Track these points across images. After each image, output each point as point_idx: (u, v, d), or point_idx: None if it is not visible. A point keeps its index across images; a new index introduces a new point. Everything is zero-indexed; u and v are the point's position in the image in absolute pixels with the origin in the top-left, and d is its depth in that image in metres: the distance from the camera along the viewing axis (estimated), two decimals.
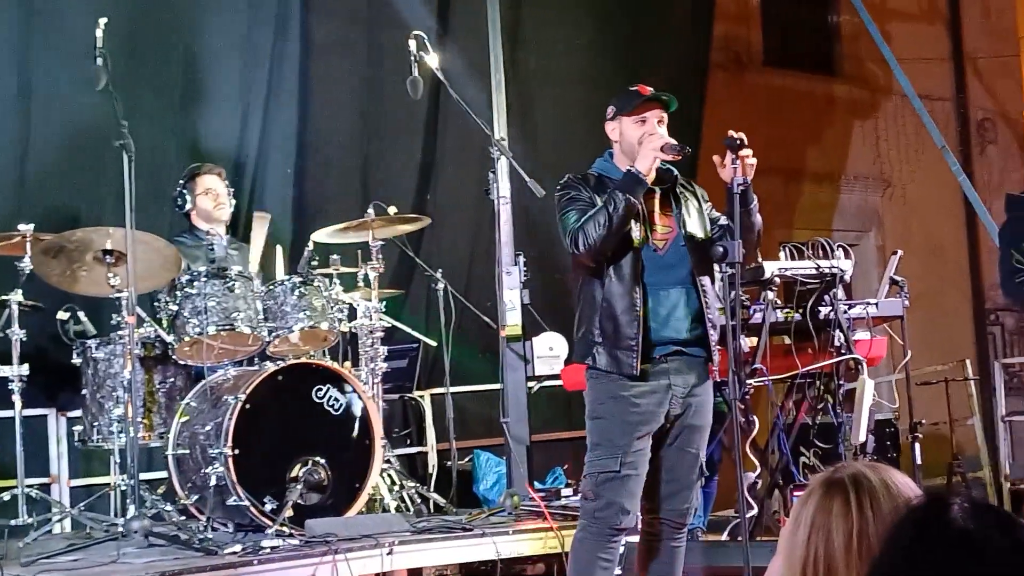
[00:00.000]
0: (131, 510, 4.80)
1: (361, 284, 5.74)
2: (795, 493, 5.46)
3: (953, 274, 12.67)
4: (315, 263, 5.54)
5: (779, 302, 5.44)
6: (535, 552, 5.17)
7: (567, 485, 6.26)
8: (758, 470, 5.70)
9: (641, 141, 4.11)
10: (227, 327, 5.18)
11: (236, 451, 4.94)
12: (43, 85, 6.18)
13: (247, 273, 5.35)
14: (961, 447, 8.77)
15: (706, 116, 8.87)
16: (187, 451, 5.16)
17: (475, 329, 6.77)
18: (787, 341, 5.55)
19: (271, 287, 5.38)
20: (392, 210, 5.78)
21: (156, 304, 5.30)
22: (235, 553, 4.61)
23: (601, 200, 4.08)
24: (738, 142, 4.05)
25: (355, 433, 5.25)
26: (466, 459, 6.76)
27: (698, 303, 4.18)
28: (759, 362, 5.21)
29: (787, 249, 5.55)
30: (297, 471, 5.05)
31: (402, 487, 5.61)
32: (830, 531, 1.84)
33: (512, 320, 5.97)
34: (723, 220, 4.27)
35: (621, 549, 4.41)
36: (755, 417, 5.37)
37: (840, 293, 5.47)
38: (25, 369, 5.19)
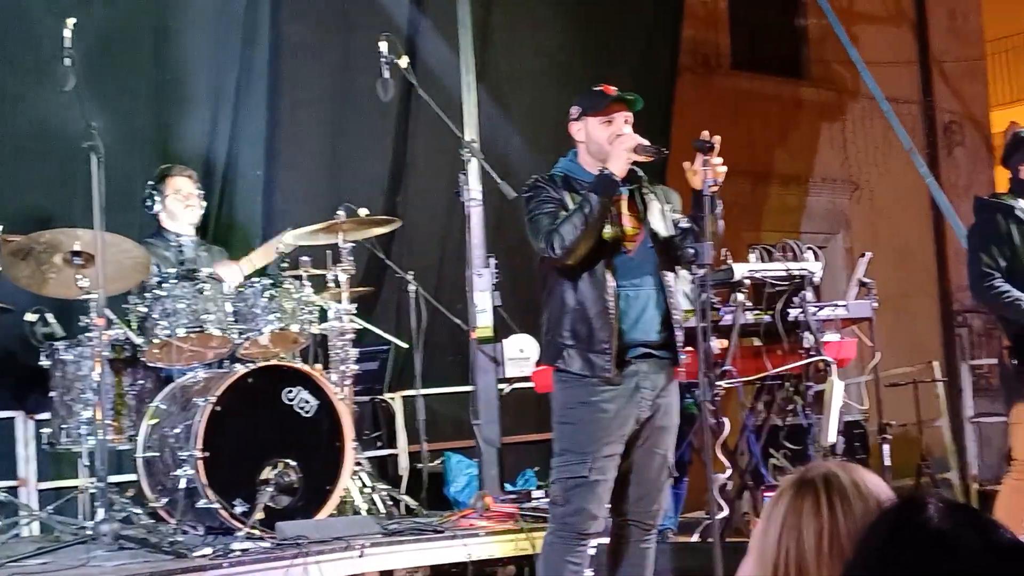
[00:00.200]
0: (100, 513, 4.77)
1: (331, 286, 5.73)
2: (766, 494, 5.49)
3: (920, 276, 12.78)
4: (285, 265, 5.52)
5: (749, 304, 5.46)
6: (506, 554, 5.17)
7: (538, 487, 6.27)
8: (728, 471, 5.72)
9: (611, 142, 4.11)
10: (197, 329, 5.16)
11: (206, 453, 4.91)
12: (11, 86, 6.14)
13: (217, 275, 5.33)
14: (929, 448, 8.85)
15: (675, 119, 8.90)
16: (156, 454, 5.13)
17: (446, 331, 6.77)
18: (757, 343, 5.58)
19: (241, 289, 5.36)
20: (363, 212, 5.77)
21: (125, 306, 5.27)
22: (205, 556, 4.58)
23: (571, 199, 4.08)
24: (708, 144, 4.06)
25: (325, 435, 5.23)
26: (437, 461, 6.75)
27: (665, 304, 4.19)
28: (729, 364, 5.23)
29: (757, 251, 5.58)
30: (267, 473, 5.03)
31: (373, 489, 5.59)
32: (801, 531, 1.84)
33: (483, 322, 5.98)
34: (684, 223, 4.27)
35: (592, 551, 4.42)
36: (725, 419, 5.39)
37: (809, 295, 5.49)
38: None
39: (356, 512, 5.42)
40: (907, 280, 11.99)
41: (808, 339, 5.48)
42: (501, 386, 6.17)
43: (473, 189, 6.01)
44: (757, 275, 5.42)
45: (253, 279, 5.45)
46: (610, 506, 4.16)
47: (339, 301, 5.69)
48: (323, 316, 5.70)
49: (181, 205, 5.75)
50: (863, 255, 5.84)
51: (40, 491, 5.86)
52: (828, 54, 12.11)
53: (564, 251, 3.98)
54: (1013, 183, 5.21)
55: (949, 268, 13.00)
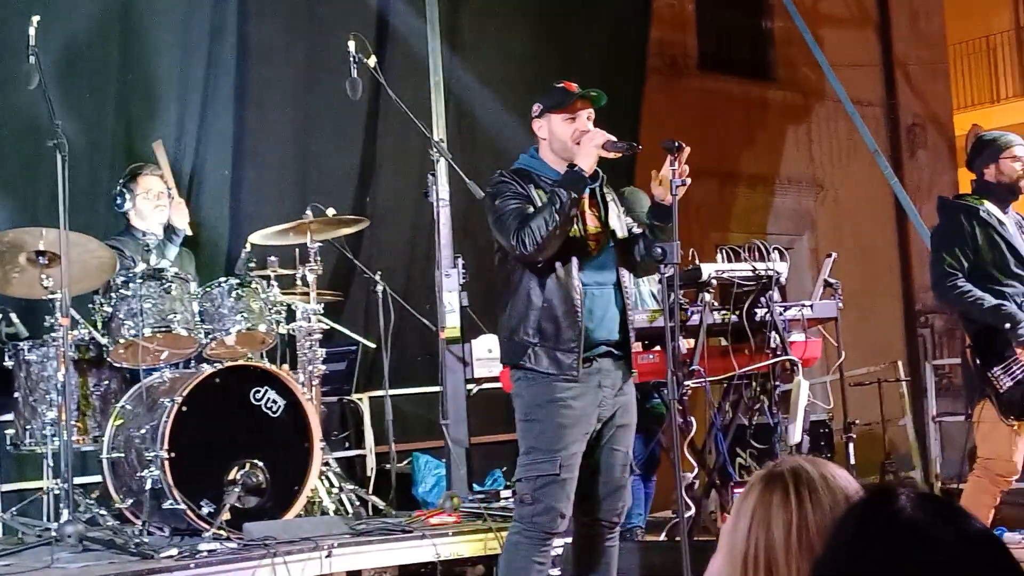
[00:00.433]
0: (65, 514, 4.73)
1: (299, 286, 5.71)
2: (735, 490, 5.51)
3: (884, 277, 12.87)
4: (252, 265, 5.50)
5: (716, 304, 5.49)
6: (475, 553, 5.17)
7: (506, 487, 6.27)
8: (695, 470, 5.75)
9: (575, 139, 4.11)
10: (163, 329, 5.13)
11: (172, 454, 4.89)
12: None
13: (184, 275, 5.30)
14: (893, 447, 8.93)
15: (642, 120, 8.93)
16: (122, 454, 5.09)
17: (414, 332, 6.76)
18: (724, 343, 5.61)
19: (208, 288, 5.33)
20: (331, 212, 5.76)
21: (91, 306, 5.23)
22: (171, 557, 4.56)
23: (538, 195, 4.07)
24: (677, 145, 4.08)
25: (293, 435, 5.21)
26: (405, 462, 6.74)
27: (623, 303, 4.21)
28: (697, 363, 5.25)
29: (724, 251, 5.61)
30: (235, 474, 5.01)
31: (341, 490, 5.58)
32: (770, 523, 1.86)
33: (451, 322, 5.97)
34: (636, 230, 4.32)
35: (558, 551, 4.43)
36: (692, 418, 5.42)
37: (776, 295, 5.53)
38: None
39: (324, 512, 5.41)
40: (871, 281, 12.07)
41: (774, 339, 5.52)
42: (469, 386, 6.16)
43: (442, 189, 6.00)
44: (724, 275, 5.45)
45: (220, 279, 5.42)
46: (575, 506, 4.15)
47: (307, 301, 5.67)
48: (291, 316, 5.68)
49: (151, 205, 5.72)
50: (829, 255, 5.89)
51: (3, 493, 5.79)
52: (794, 56, 12.19)
53: (536, 248, 3.96)
54: (977, 184, 5.26)
55: (912, 269, 13.11)
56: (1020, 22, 18.79)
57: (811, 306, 5.70)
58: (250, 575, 4.56)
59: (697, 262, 5.46)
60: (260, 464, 5.07)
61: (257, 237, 5.68)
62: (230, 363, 5.23)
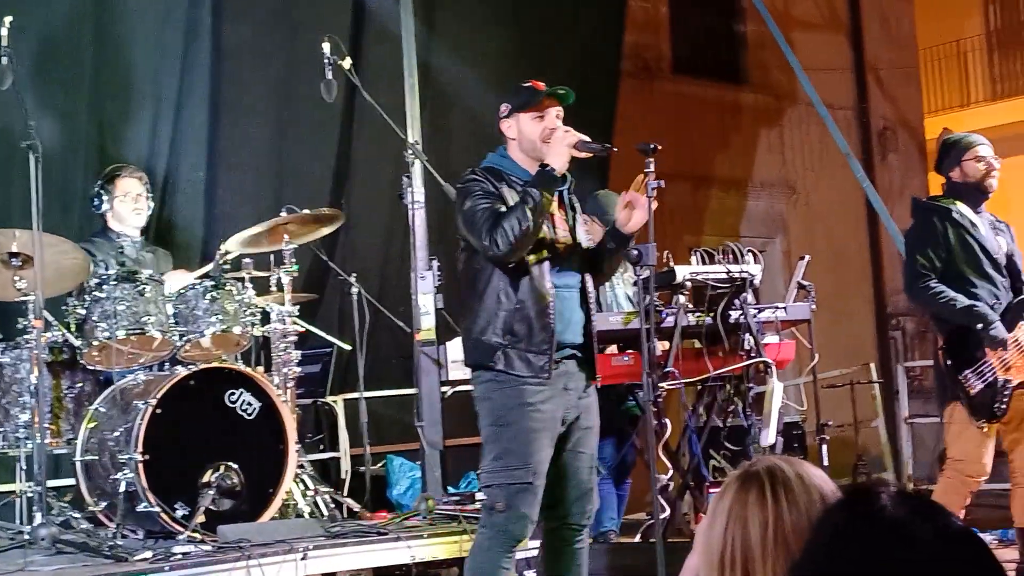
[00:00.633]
0: (38, 517, 4.70)
1: (274, 288, 5.69)
2: (710, 490, 5.54)
3: (856, 279, 12.96)
4: (227, 267, 5.48)
5: (690, 306, 5.52)
6: (450, 555, 5.17)
7: (480, 489, 6.27)
8: (669, 472, 5.78)
9: (544, 138, 4.09)
10: (137, 331, 5.10)
11: (147, 457, 4.85)
12: None
13: (158, 277, 5.28)
14: (866, 448, 8.99)
15: (617, 123, 8.96)
16: (96, 457, 5.07)
17: (388, 334, 6.76)
18: (698, 345, 5.64)
19: (182, 290, 5.31)
20: (305, 211, 5.74)
21: (64, 308, 5.20)
22: (145, 560, 4.53)
23: (509, 194, 4.04)
24: (652, 147, 4.10)
25: (268, 438, 5.20)
26: (379, 464, 6.74)
27: (587, 307, 4.21)
28: (671, 365, 5.28)
29: (698, 254, 5.64)
30: (209, 476, 4.98)
31: (316, 492, 5.57)
32: (747, 522, 1.87)
33: (426, 324, 5.97)
34: (587, 243, 4.34)
35: (534, 552, 4.43)
36: (667, 420, 5.44)
37: (750, 297, 5.56)
38: None
39: (299, 515, 5.39)
40: (843, 283, 12.15)
41: (748, 341, 5.55)
42: (444, 388, 6.17)
43: (416, 191, 6.00)
44: (698, 277, 5.48)
45: (194, 281, 5.40)
46: (544, 511, 4.13)
47: (282, 303, 5.66)
48: (265, 318, 5.67)
49: (129, 208, 5.69)
50: (802, 258, 5.92)
51: None
52: (767, 60, 12.26)
53: (509, 248, 3.93)
54: (948, 187, 5.31)
55: (884, 272, 13.20)
56: (990, 26, 18.96)
57: (785, 308, 5.74)
58: None
59: (672, 264, 5.49)
60: (235, 466, 5.05)
61: (232, 244, 5.63)
62: (205, 365, 5.21)
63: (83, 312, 5.11)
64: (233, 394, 5.15)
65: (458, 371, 6.19)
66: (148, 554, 4.57)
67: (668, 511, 5.61)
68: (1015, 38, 18.86)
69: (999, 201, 5.34)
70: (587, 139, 4.09)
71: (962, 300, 5.04)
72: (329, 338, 6.60)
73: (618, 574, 5.38)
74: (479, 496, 5.97)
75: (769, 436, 5.45)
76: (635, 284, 5.01)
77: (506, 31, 8.32)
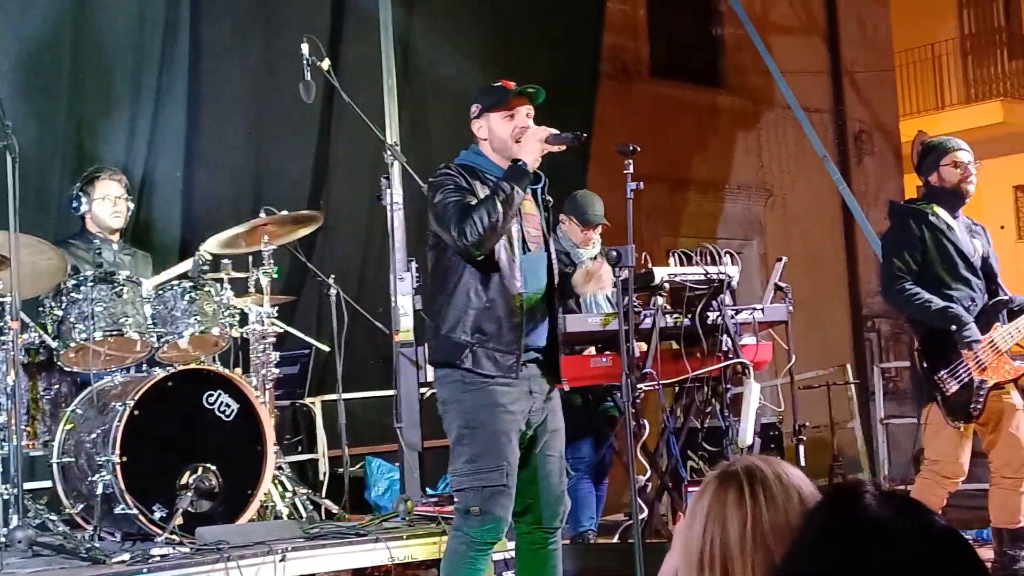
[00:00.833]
0: (14, 520, 4.67)
1: (252, 289, 5.68)
2: (689, 489, 5.56)
3: (832, 281, 13.02)
4: (206, 268, 5.47)
5: (668, 307, 5.54)
6: (429, 556, 5.17)
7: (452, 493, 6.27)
8: (648, 473, 5.79)
9: (515, 136, 4.07)
10: (115, 332, 5.08)
11: (124, 458, 4.83)
12: None
13: (136, 278, 5.26)
14: (842, 449, 9.02)
15: (595, 126, 8.98)
16: (72, 459, 5.04)
17: (367, 335, 6.75)
18: (675, 346, 5.66)
19: (160, 291, 5.30)
20: (284, 213, 5.74)
21: (41, 309, 5.17)
22: (123, 562, 4.51)
23: (480, 190, 4.02)
24: (631, 148, 4.11)
25: (246, 439, 5.19)
26: (357, 466, 6.73)
27: (552, 311, 4.20)
28: (649, 366, 5.30)
29: (676, 255, 5.66)
30: (187, 478, 4.97)
31: (294, 494, 5.56)
32: (726, 520, 1.89)
33: (405, 325, 5.97)
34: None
35: (511, 554, 4.43)
36: (645, 421, 5.46)
37: (728, 299, 5.59)
38: None
39: (277, 517, 5.39)
40: (819, 285, 12.21)
41: (726, 342, 5.58)
42: (423, 390, 6.16)
43: (395, 192, 6.00)
44: (677, 279, 5.50)
45: (172, 282, 5.38)
46: (517, 516, 4.11)
47: (260, 304, 5.65)
48: (243, 319, 5.66)
49: (108, 210, 5.66)
50: (779, 259, 5.94)
51: None
52: (744, 63, 12.31)
53: (478, 239, 3.89)
54: (927, 190, 5.34)
55: (859, 274, 13.27)
56: (965, 30, 19.10)
57: (762, 310, 5.77)
58: None
59: (650, 266, 5.51)
60: (213, 468, 5.04)
61: (211, 246, 5.62)
62: (183, 367, 5.19)
63: (60, 313, 5.09)
64: (211, 395, 5.14)
65: None
66: (126, 556, 4.55)
67: (646, 512, 5.63)
68: (989, 42, 19.02)
69: (973, 203, 5.37)
70: (556, 131, 4.07)
71: (937, 302, 5.07)
72: (307, 339, 6.58)
73: (596, 575, 5.39)
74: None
75: (746, 437, 5.48)
76: (613, 285, 5.03)
77: (485, 32, 8.32)
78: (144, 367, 5.34)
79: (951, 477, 5.15)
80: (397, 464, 6.43)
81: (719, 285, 5.54)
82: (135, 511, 4.81)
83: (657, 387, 5.43)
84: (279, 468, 5.49)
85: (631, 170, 4.09)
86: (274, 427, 5.37)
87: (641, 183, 4.26)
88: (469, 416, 4.01)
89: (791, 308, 5.86)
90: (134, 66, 6.67)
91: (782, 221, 12.74)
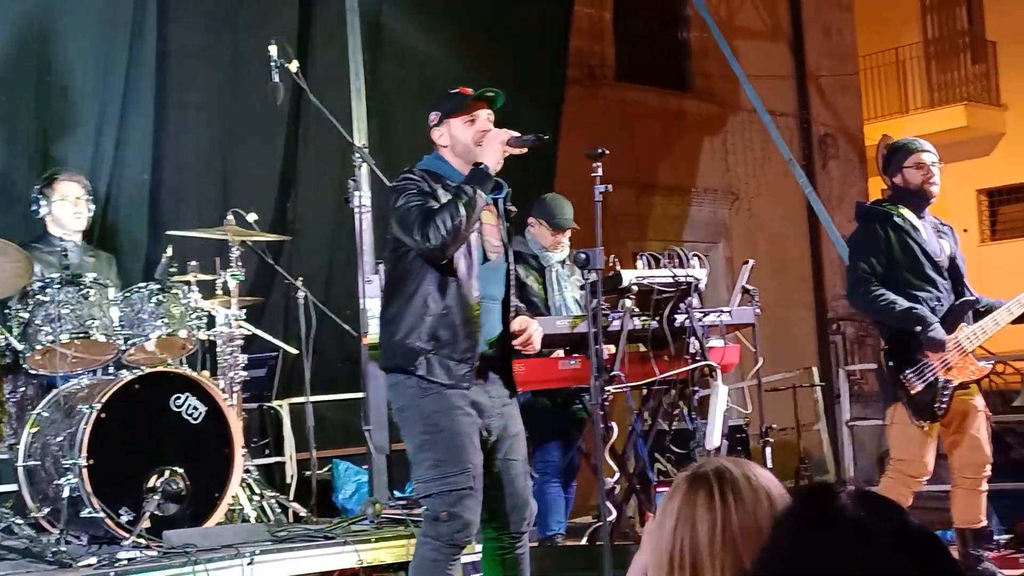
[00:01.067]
0: None
1: (220, 292, 5.67)
2: (658, 490, 5.59)
3: (797, 284, 13.11)
4: (173, 270, 5.45)
5: (636, 310, 5.55)
6: (397, 559, 5.17)
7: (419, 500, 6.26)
8: (616, 475, 5.81)
9: (477, 141, 4.06)
10: (81, 335, 5.05)
11: (91, 462, 4.81)
12: None
13: (102, 280, 5.23)
14: (808, 451, 9.10)
15: (562, 130, 9.00)
16: (38, 462, 5.01)
17: (335, 337, 6.74)
18: (643, 349, 5.68)
19: (127, 294, 5.27)
20: (251, 217, 5.73)
21: (7, 311, 5.14)
22: (90, 565, 4.50)
23: (443, 195, 3.99)
24: (599, 151, 4.13)
25: (214, 442, 5.17)
26: (325, 469, 6.72)
27: (507, 321, 4.18)
28: (618, 369, 5.31)
29: (644, 258, 5.68)
30: (154, 481, 4.95)
31: (262, 497, 5.55)
32: (695, 522, 1.90)
33: (373, 328, 5.96)
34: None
35: (477, 556, 4.43)
36: (613, 423, 5.47)
37: (695, 301, 5.61)
38: None
39: (245, 520, 5.37)
40: (784, 288, 12.29)
41: (694, 345, 5.60)
42: None
43: (363, 195, 6.00)
44: (645, 282, 5.51)
45: (140, 284, 5.36)
46: (483, 522, 4.10)
47: (228, 307, 5.63)
48: (211, 322, 5.64)
49: (69, 211, 5.63)
50: (746, 262, 5.96)
51: None
52: (709, 68, 12.38)
53: (441, 242, 3.87)
54: (893, 191, 5.39)
55: (824, 277, 13.37)
56: (928, 35, 19.28)
57: (729, 312, 5.79)
58: None
59: (618, 269, 5.53)
60: (180, 471, 5.02)
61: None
62: (150, 369, 5.17)
63: (26, 316, 5.05)
64: (179, 398, 5.12)
65: None
66: (93, 560, 4.54)
67: (614, 514, 5.64)
68: (952, 47, 19.21)
69: (937, 206, 5.41)
70: (518, 134, 4.06)
71: (902, 303, 5.12)
72: (275, 342, 6.56)
73: None
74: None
75: (714, 439, 5.50)
76: (582, 288, 5.05)
77: (453, 36, 8.33)
78: (111, 370, 5.31)
79: (916, 476, 5.20)
80: (365, 467, 6.42)
81: (687, 288, 5.56)
82: (102, 514, 4.78)
83: (625, 390, 5.45)
84: (247, 471, 5.47)
85: (600, 173, 4.10)
86: (242, 430, 5.35)
87: (610, 186, 4.28)
88: (428, 421, 3.98)
89: (758, 311, 5.89)
90: (101, 69, 6.62)
91: (748, 224, 12.82)
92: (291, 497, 6.03)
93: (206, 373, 5.61)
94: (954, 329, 5.15)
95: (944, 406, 5.10)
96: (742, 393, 7.82)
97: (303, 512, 5.73)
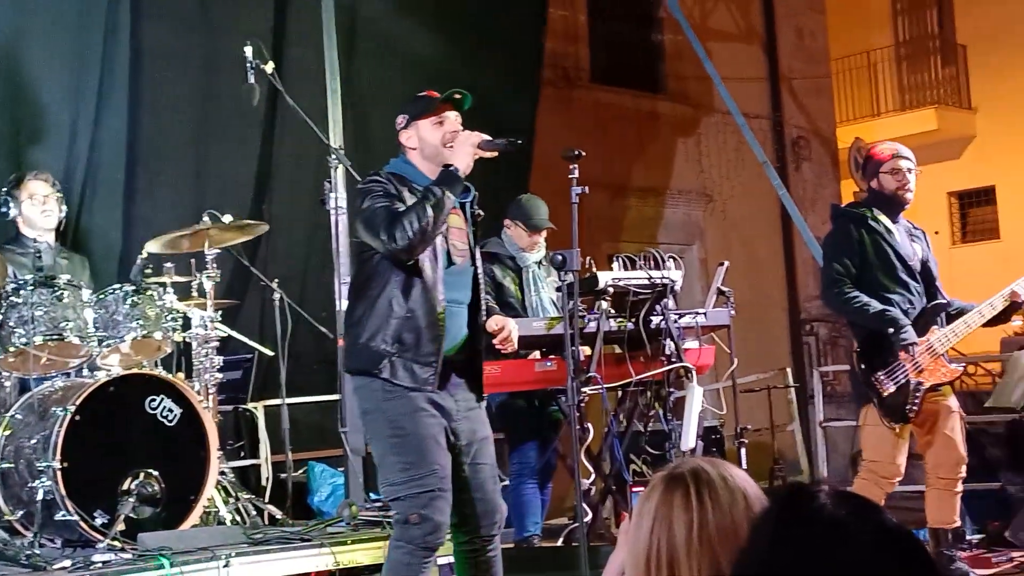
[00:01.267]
0: None
1: (195, 293, 5.65)
2: (634, 490, 5.60)
3: (770, 286, 13.16)
4: (148, 271, 5.43)
5: (612, 312, 5.57)
6: (374, 561, 5.17)
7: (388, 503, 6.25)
8: (592, 476, 5.83)
9: (446, 142, 4.05)
10: (55, 337, 5.03)
11: (65, 464, 4.78)
12: None
13: (76, 282, 5.21)
14: (782, 452, 9.14)
15: (537, 132, 9.02)
16: (12, 465, 4.97)
17: (310, 339, 6.73)
18: (619, 350, 5.70)
19: (102, 295, 5.25)
20: (227, 218, 5.71)
21: None
22: (64, 569, 4.47)
23: (410, 198, 3.97)
24: (576, 153, 4.14)
25: (189, 444, 5.15)
26: (300, 471, 6.70)
27: (476, 325, 4.17)
28: (594, 370, 5.33)
29: (620, 260, 5.70)
30: (129, 484, 4.92)
31: (237, 499, 5.53)
32: (672, 522, 1.92)
33: None
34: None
35: (446, 559, 4.43)
36: (589, 424, 5.49)
37: (671, 303, 5.64)
38: None
39: (220, 522, 5.35)
40: (758, 290, 12.33)
41: (669, 346, 5.63)
42: None
43: (339, 196, 5.99)
44: (620, 283, 5.54)
45: (115, 286, 5.34)
46: (455, 525, 4.10)
47: (203, 308, 5.61)
48: (186, 324, 5.62)
49: (38, 210, 5.60)
50: (721, 264, 6.00)
51: None
52: (683, 70, 12.42)
53: (407, 243, 3.84)
54: (870, 194, 5.43)
55: (797, 279, 13.43)
56: (899, 38, 19.41)
57: (705, 314, 5.82)
58: None
59: (594, 270, 5.54)
60: (155, 474, 5.00)
61: (153, 246, 5.58)
62: (125, 371, 5.15)
63: None
64: (154, 400, 5.10)
65: None
66: (67, 563, 4.51)
67: (590, 515, 5.66)
68: (923, 50, 19.34)
69: (908, 208, 5.46)
70: (489, 138, 4.05)
71: (874, 305, 5.16)
72: (251, 343, 6.54)
73: None
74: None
75: (689, 440, 5.53)
76: (558, 289, 5.06)
77: (429, 38, 8.33)
78: (85, 371, 5.29)
79: (888, 477, 5.24)
80: (340, 469, 6.42)
81: (662, 289, 5.58)
82: (76, 517, 4.76)
83: (601, 391, 5.47)
84: (222, 473, 5.46)
85: (576, 175, 4.11)
86: (217, 432, 5.33)
87: (586, 188, 4.30)
88: (394, 424, 3.97)
89: (733, 312, 5.92)
90: (74, 69, 6.59)
91: (722, 226, 12.86)
92: (266, 499, 6.02)
93: (181, 375, 5.59)
94: (926, 331, 5.19)
95: (915, 408, 5.14)
96: (717, 394, 7.85)
97: (279, 514, 5.71)
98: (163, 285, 5.40)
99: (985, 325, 5.34)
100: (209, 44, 7.17)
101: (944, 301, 5.31)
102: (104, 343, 5.20)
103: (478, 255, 4.24)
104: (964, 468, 5.27)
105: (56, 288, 5.07)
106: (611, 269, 5.68)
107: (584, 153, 4.16)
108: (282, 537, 5.14)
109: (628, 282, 5.55)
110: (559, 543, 6.17)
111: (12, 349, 5.01)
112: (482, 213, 4.26)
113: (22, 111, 6.40)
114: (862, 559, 1.42)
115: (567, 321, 4.37)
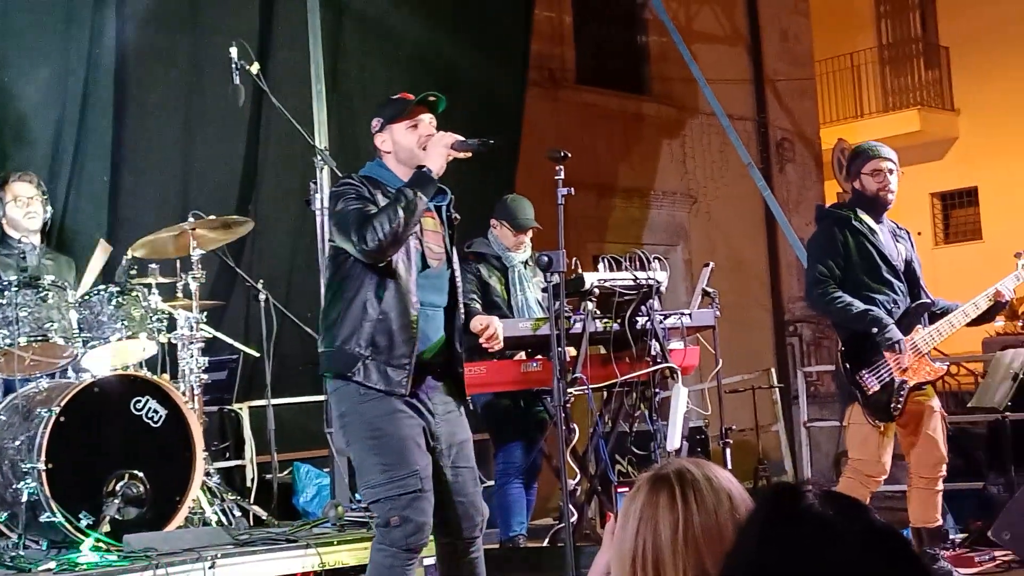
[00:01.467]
0: None
1: (180, 294, 5.64)
2: (620, 490, 5.62)
3: (754, 287, 13.19)
4: (134, 272, 5.42)
5: (598, 312, 5.58)
6: (359, 562, 5.17)
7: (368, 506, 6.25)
8: (577, 477, 5.84)
9: (421, 144, 4.04)
10: (40, 338, 5.02)
11: (50, 465, 4.77)
12: None
13: (61, 283, 5.19)
14: (766, 452, 9.17)
15: (523, 133, 9.03)
16: None
17: (296, 340, 6.73)
18: (604, 351, 5.71)
19: (87, 296, 5.24)
20: (212, 217, 5.70)
21: None
22: (49, 570, 4.47)
23: (382, 200, 3.96)
24: (562, 154, 4.15)
25: (175, 445, 5.14)
26: (286, 472, 6.70)
27: (453, 328, 4.17)
28: (579, 371, 5.34)
29: (605, 260, 5.71)
30: (114, 485, 4.92)
31: (223, 500, 5.53)
32: (657, 523, 1.93)
33: None
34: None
35: (429, 560, 4.43)
36: (575, 425, 5.50)
37: (656, 304, 5.65)
38: None
39: (206, 523, 5.34)
40: (742, 291, 12.37)
41: (654, 347, 5.64)
42: None
43: (324, 197, 5.99)
44: (606, 284, 5.55)
45: (100, 287, 5.33)
46: (436, 527, 4.08)
47: (188, 309, 5.61)
48: (172, 325, 5.61)
49: (22, 211, 5.59)
50: (706, 265, 6.01)
51: None
52: (668, 71, 12.44)
53: (378, 245, 3.83)
54: (854, 194, 5.45)
55: (781, 280, 13.47)
56: (883, 40, 19.49)
57: (690, 315, 5.84)
58: None
59: (580, 271, 5.56)
60: (140, 475, 4.99)
61: (139, 250, 5.57)
62: (110, 372, 5.14)
63: None
64: (139, 402, 5.09)
65: None
66: (52, 564, 4.51)
67: (576, 515, 5.67)
68: (906, 52, 19.43)
69: (891, 209, 5.48)
70: (463, 138, 4.04)
71: (858, 305, 5.19)
72: (236, 344, 6.54)
73: None
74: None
75: (674, 440, 5.54)
76: (544, 289, 5.07)
77: (415, 38, 8.33)
78: (70, 372, 5.28)
79: (873, 476, 5.26)
80: (326, 470, 6.42)
81: (648, 290, 5.60)
82: (61, 519, 4.75)
83: (587, 391, 5.48)
84: (207, 474, 5.45)
85: (562, 176, 4.12)
86: (202, 433, 5.32)
87: (572, 189, 4.31)
88: (372, 426, 3.96)
89: (718, 313, 5.94)
90: (59, 70, 6.57)
91: (706, 227, 12.89)
92: (252, 500, 6.01)
93: (166, 376, 5.58)
94: (910, 331, 5.22)
95: (900, 406, 5.17)
96: (702, 395, 7.88)
97: (264, 515, 5.71)
98: (148, 286, 5.40)
99: (969, 324, 5.38)
100: (194, 45, 7.15)
101: (928, 301, 5.34)
102: (89, 344, 5.19)
103: (455, 258, 4.23)
104: (945, 468, 5.30)
105: (41, 289, 5.06)
106: (597, 270, 5.70)
107: (569, 154, 4.17)
108: (268, 538, 5.14)
109: (614, 283, 5.56)
110: (545, 543, 6.18)
111: None
112: (459, 217, 4.24)
113: (6, 112, 6.37)
114: (850, 559, 1.43)
115: (553, 322, 4.38)
